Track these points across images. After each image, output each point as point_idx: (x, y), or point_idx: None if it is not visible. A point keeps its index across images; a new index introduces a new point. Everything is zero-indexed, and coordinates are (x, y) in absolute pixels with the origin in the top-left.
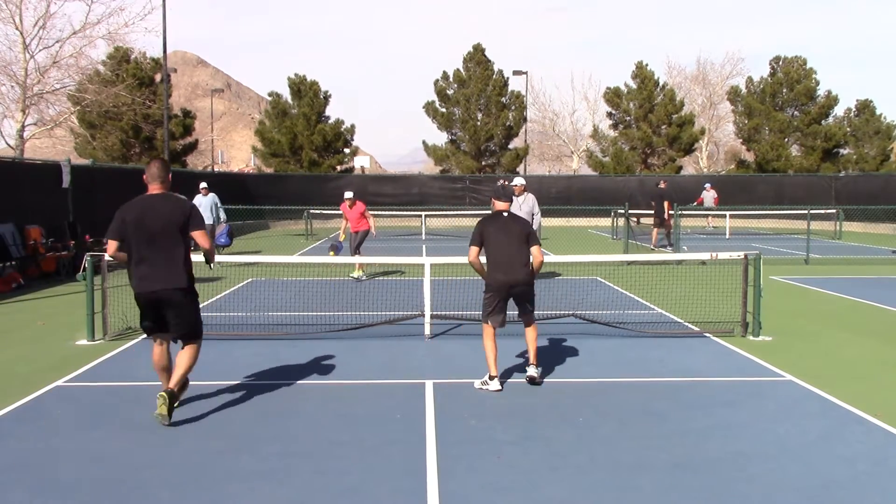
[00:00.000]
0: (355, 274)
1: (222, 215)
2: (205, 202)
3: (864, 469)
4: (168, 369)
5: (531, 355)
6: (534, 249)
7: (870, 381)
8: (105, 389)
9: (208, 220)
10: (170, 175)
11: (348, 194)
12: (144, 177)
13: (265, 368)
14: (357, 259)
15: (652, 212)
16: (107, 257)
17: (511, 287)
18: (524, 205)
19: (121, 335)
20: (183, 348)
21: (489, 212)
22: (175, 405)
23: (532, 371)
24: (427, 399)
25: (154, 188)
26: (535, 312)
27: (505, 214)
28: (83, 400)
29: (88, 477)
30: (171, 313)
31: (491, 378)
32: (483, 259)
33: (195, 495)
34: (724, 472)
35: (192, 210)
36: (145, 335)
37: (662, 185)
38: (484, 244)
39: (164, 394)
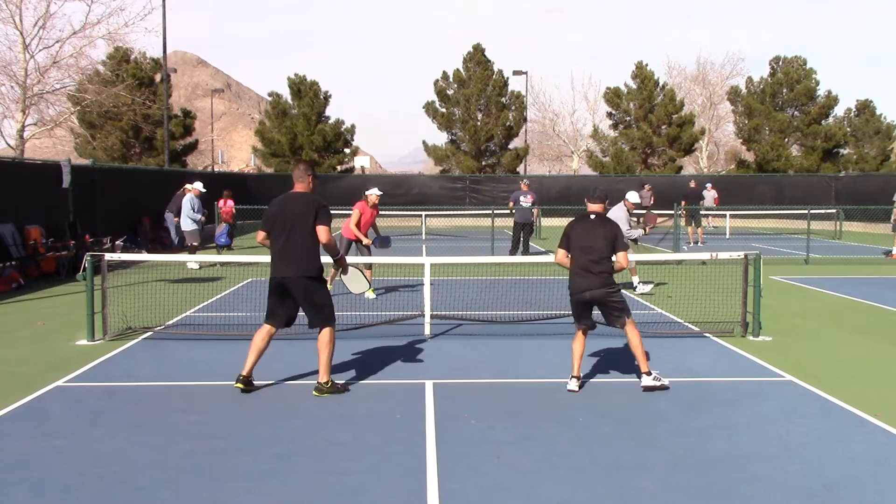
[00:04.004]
0: (371, 294)
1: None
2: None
3: (864, 469)
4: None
5: (640, 362)
6: (619, 255)
7: (870, 381)
8: (105, 389)
9: (191, 225)
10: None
11: (377, 191)
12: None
13: (265, 368)
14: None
15: (654, 211)
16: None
17: (582, 293)
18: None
19: (121, 335)
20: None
21: (487, 211)
22: (328, 388)
23: (647, 380)
24: (427, 399)
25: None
26: (535, 312)
27: (592, 217)
28: (83, 400)
29: (88, 477)
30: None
31: (571, 378)
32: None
33: (195, 495)
34: (724, 472)
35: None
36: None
37: (693, 185)
38: (568, 247)
39: (315, 393)
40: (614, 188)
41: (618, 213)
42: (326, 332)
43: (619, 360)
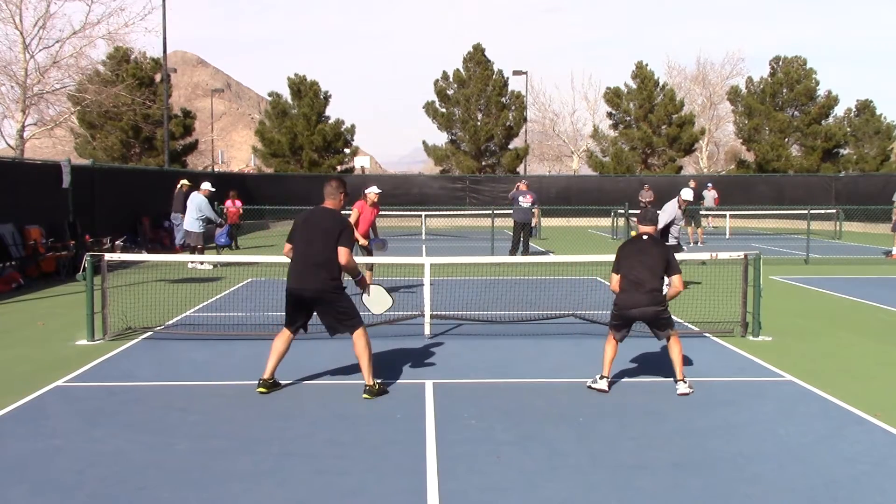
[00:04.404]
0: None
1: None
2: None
3: (864, 469)
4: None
5: (677, 370)
6: (674, 279)
7: (870, 381)
8: (105, 389)
9: (200, 227)
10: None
11: (378, 189)
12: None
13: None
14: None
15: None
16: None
17: (630, 309)
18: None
19: (121, 335)
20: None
21: (487, 211)
22: (376, 389)
23: (683, 388)
24: (427, 399)
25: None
26: (535, 312)
27: (644, 238)
28: (83, 400)
29: (88, 477)
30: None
31: (601, 378)
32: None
33: (195, 495)
34: (725, 472)
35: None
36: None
37: (693, 185)
38: (619, 269)
39: (365, 396)
40: (616, 188)
41: (671, 209)
42: (359, 339)
43: (619, 360)
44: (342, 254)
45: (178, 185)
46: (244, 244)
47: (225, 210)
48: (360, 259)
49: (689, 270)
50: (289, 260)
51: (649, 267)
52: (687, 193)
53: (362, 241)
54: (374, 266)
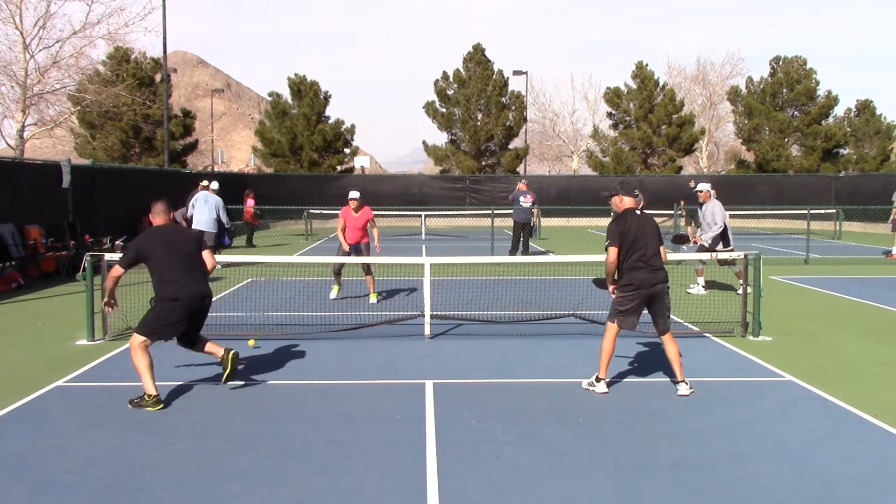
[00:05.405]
0: (374, 298)
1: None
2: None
3: (863, 469)
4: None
5: (677, 371)
6: (662, 251)
7: (870, 381)
8: (105, 389)
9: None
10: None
11: (354, 194)
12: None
13: (265, 368)
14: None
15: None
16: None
17: (653, 286)
18: (706, 214)
19: (121, 335)
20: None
21: (487, 211)
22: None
23: (683, 389)
24: (427, 399)
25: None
26: (535, 312)
27: (637, 212)
28: (83, 400)
29: (88, 477)
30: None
31: (598, 380)
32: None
33: (195, 495)
34: (724, 472)
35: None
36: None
37: (693, 185)
38: (622, 245)
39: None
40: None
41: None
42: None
43: (619, 360)
44: (208, 257)
45: (207, 184)
46: (265, 242)
47: (246, 209)
48: (353, 259)
49: (688, 271)
50: (167, 275)
51: (654, 244)
52: (702, 186)
53: (345, 247)
54: (374, 267)
